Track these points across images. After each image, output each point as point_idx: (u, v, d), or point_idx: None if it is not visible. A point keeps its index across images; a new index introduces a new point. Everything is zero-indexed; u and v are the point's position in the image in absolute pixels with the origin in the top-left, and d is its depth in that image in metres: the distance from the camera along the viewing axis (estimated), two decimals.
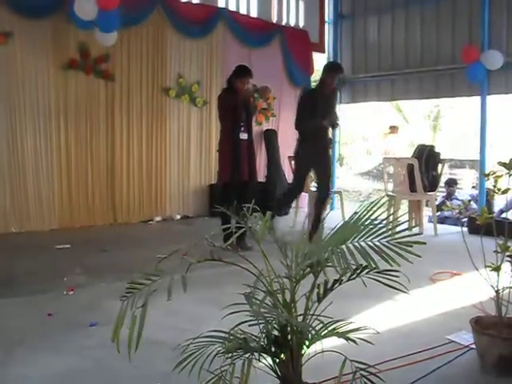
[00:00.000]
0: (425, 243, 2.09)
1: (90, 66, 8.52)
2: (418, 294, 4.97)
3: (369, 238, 2.06)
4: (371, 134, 23.14)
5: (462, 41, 9.94)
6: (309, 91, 8.19)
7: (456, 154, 20.15)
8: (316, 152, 7.39)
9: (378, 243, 2.03)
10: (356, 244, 2.04)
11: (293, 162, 9.51)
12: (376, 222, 2.14)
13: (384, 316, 4.42)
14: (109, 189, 9.00)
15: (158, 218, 9.45)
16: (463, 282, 5.52)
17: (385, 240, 2.04)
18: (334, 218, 7.36)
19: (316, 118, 7.22)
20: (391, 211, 8.23)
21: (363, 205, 2.22)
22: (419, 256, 2.04)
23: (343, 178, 18.90)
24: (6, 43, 7.76)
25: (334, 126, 7.71)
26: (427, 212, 9.90)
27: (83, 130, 8.63)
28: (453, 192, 11.47)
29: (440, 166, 9.43)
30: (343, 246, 2.01)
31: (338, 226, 2.26)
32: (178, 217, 9.74)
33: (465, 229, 8.12)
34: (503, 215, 8.42)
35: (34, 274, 5.67)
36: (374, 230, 2.10)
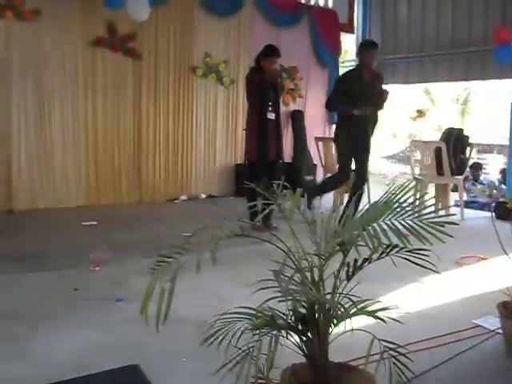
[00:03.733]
0: (457, 224, 2.07)
1: (117, 44, 8.52)
2: (444, 277, 4.92)
3: (401, 217, 2.04)
4: (398, 117, 22.97)
5: (495, 22, 9.77)
6: (346, 73, 8.01)
7: (484, 138, 19.96)
8: (355, 137, 7.22)
9: (410, 222, 2.01)
10: (388, 222, 2.02)
11: (320, 144, 9.51)
12: (407, 203, 2.12)
13: (411, 297, 4.41)
14: (135, 167, 9.04)
15: (184, 197, 9.47)
16: (490, 266, 5.48)
17: (417, 219, 2.02)
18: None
19: (351, 102, 7.11)
20: (418, 194, 8.17)
21: (393, 186, 2.20)
22: (452, 236, 2.01)
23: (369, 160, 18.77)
24: (34, 20, 7.76)
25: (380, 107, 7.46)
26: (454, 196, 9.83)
27: (110, 108, 8.66)
28: (477, 176, 11.35)
29: (468, 149, 9.33)
30: (375, 224, 1.99)
31: (368, 205, 2.23)
32: (204, 196, 9.75)
33: (493, 214, 8.06)
34: None
35: (60, 250, 5.72)
36: (406, 209, 2.07)
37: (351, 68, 8.18)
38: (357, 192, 7.19)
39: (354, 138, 7.20)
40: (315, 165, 10.62)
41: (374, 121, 7.44)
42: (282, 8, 10.37)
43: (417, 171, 9.14)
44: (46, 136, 8.08)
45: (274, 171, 6.84)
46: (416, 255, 2.17)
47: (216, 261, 1.92)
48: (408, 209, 2.07)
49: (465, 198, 10.09)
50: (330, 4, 11.66)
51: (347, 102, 7.10)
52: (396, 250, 2.14)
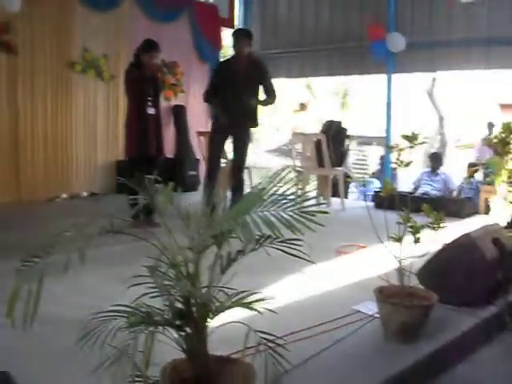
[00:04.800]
0: (327, 213, 2.10)
1: None
2: (324, 266, 5.05)
3: (273, 208, 2.05)
4: (280, 111, 23.30)
5: (370, 18, 10.08)
6: (220, 62, 8.02)
7: (363, 130, 20.57)
8: (224, 127, 7.23)
9: (282, 213, 2.02)
10: (260, 214, 2.03)
11: (201, 138, 9.49)
12: (280, 193, 2.14)
13: (291, 288, 4.47)
14: (12, 166, 8.67)
15: (65, 195, 9.23)
16: (369, 254, 5.65)
17: (289, 210, 2.04)
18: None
19: (225, 91, 7.16)
20: (299, 186, 8.33)
21: (267, 175, 2.21)
22: (322, 225, 2.05)
23: (252, 154, 18.96)
24: None
25: (267, 101, 7.41)
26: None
27: None
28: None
29: (347, 141, 9.62)
30: (246, 216, 1.99)
31: (241, 198, 2.24)
32: (85, 193, 9.54)
33: (372, 203, 8.35)
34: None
35: None
36: (279, 200, 2.09)
37: (224, 59, 8.16)
38: (235, 183, 7.23)
39: (222, 128, 7.25)
40: (198, 159, 10.60)
41: (250, 109, 7.32)
42: (161, 2, 10.27)
43: (298, 163, 9.32)
44: None
45: (155, 167, 6.79)
46: (293, 246, 2.20)
47: (84, 260, 1.86)
48: (280, 199, 2.09)
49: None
50: None
51: (219, 93, 7.18)
52: (269, 240, 2.17)
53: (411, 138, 3.42)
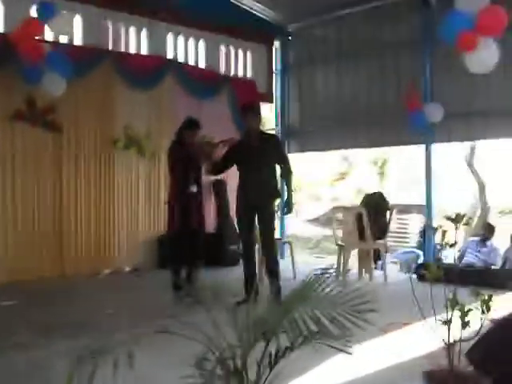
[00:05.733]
0: (376, 311, 2.09)
1: (36, 118, 8.43)
2: (369, 345, 4.95)
3: (321, 305, 2.04)
4: (318, 181, 23.39)
5: (406, 90, 10.11)
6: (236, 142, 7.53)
7: (403, 199, 20.45)
8: (248, 205, 7.02)
9: (330, 311, 2.02)
10: (308, 311, 2.02)
11: None
12: (327, 291, 2.14)
13: (337, 370, 4.39)
14: (57, 242, 8.87)
15: (107, 271, 9.32)
16: (414, 331, 5.53)
17: (338, 308, 2.03)
18: (284, 267, 7.37)
19: (242, 169, 7.13)
20: (341, 260, 8.29)
21: (311, 275, 2.21)
22: (374, 311, 2.04)
23: (292, 224, 18.95)
24: None
25: (288, 181, 7.24)
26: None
27: (30, 182, 8.55)
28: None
29: (388, 212, 9.55)
30: (296, 315, 1.99)
31: (289, 294, 2.24)
32: (128, 268, 9.61)
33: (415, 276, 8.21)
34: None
35: None
36: (326, 298, 2.09)
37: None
38: (269, 269, 6.91)
39: (245, 207, 7.05)
40: (238, 234, 10.60)
41: (268, 184, 7.08)
42: (201, 79, 10.50)
43: (339, 235, 9.24)
44: None
45: (197, 241, 6.83)
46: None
47: (133, 365, 1.87)
48: (328, 299, 2.09)
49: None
50: (249, 74, 11.89)
51: (239, 173, 7.16)
52: (318, 336, 2.15)
53: (456, 220, 3.39)
